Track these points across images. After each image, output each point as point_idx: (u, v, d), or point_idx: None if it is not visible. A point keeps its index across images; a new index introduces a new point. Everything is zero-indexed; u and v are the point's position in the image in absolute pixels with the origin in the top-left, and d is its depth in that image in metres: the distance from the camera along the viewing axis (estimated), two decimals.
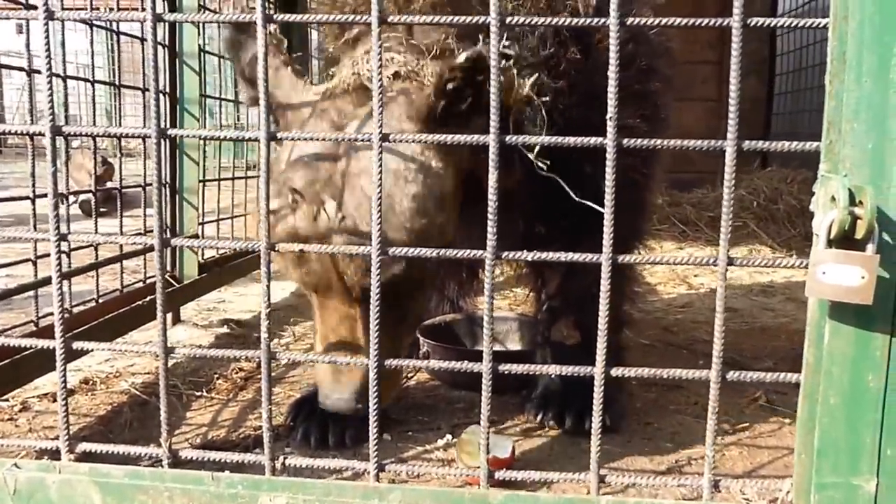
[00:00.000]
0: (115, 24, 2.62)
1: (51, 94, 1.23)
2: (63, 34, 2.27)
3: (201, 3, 2.88)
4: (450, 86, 1.38)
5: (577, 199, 1.54)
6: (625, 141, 1.13)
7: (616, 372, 1.22)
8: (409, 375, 2.33)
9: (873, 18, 1.07)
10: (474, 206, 2.04)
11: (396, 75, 1.56)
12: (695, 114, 6.37)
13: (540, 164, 1.55)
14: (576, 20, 1.18)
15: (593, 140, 1.14)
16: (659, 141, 1.16)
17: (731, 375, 1.21)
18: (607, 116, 1.12)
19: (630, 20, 1.09)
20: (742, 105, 1.10)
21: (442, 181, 1.55)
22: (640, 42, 1.83)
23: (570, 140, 1.18)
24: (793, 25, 1.16)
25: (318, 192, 1.49)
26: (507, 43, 1.50)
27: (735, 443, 1.93)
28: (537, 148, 1.53)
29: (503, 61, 1.45)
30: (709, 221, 5.35)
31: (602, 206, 1.80)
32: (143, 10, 1.22)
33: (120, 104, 2.55)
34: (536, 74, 1.54)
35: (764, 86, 7.12)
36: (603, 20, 1.09)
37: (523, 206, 1.81)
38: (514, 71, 1.50)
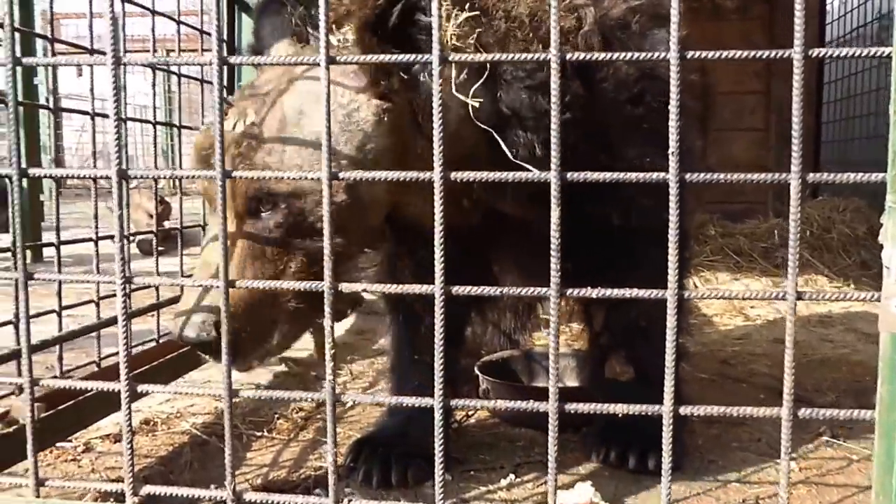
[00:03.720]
0: (177, 67, 2.69)
1: (118, 139, 1.26)
2: (124, 78, 2.32)
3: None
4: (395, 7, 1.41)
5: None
6: (688, 176, 1.10)
7: (685, 410, 1.18)
8: (470, 414, 2.31)
9: None
10: (502, 239, 2.03)
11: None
12: (742, 144, 6.26)
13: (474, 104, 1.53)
14: (638, 53, 1.17)
15: (655, 175, 1.12)
16: (721, 175, 1.13)
17: (804, 413, 1.16)
18: (669, 151, 1.10)
19: (690, 54, 1.07)
20: (789, 135, 1.07)
21: (370, 127, 1.53)
22: (653, 77, 1.77)
23: (632, 176, 1.16)
24: (850, 55, 1.13)
25: (246, 105, 1.53)
26: None
27: (802, 480, 1.86)
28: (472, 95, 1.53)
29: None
30: (762, 252, 5.23)
31: (643, 238, 1.80)
32: (203, 51, 1.24)
33: (180, 144, 2.59)
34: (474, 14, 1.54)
35: (812, 115, 7.00)
36: (664, 54, 1.08)
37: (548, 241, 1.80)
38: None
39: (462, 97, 1.52)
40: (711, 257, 5.12)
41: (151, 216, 5.53)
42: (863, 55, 1.13)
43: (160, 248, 2.46)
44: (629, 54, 1.13)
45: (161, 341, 2.40)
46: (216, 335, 1.41)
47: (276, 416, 2.30)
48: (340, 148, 1.49)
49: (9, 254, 1.81)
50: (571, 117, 1.63)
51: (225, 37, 2.79)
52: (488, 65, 1.57)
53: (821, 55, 1.10)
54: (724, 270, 5.04)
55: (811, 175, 1.10)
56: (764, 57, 1.09)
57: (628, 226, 1.82)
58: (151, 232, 2.54)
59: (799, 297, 1.13)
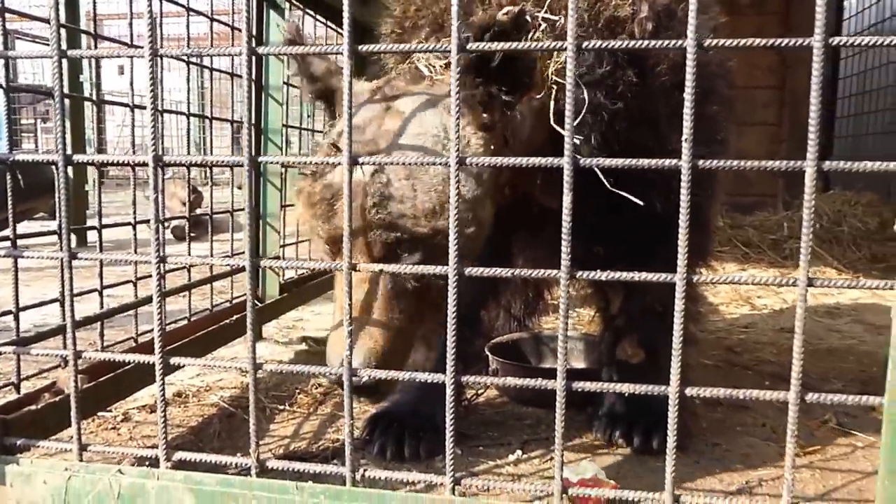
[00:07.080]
0: (209, 61, 2.70)
1: (154, 127, 1.26)
2: (161, 72, 2.35)
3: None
4: (486, 35, 1.30)
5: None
6: (700, 162, 1.08)
7: (691, 391, 1.17)
8: (479, 392, 2.31)
9: None
10: (529, 226, 2.00)
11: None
12: (755, 138, 6.19)
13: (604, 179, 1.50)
14: (655, 42, 1.14)
15: (667, 162, 1.11)
16: (736, 162, 1.11)
17: (811, 397, 1.14)
18: (682, 138, 1.08)
19: (707, 42, 1.05)
20: (802, 129, 1.04)
21: (475, 181, 1.49)
22: (701, 63, 1.74)
23: (644, 162, 1.14)
24: (870, 44, 1.10)
25: (358, 150, 1.45)
26: (544, 15, 1.44)
27: (807, 465, 1.83)
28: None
29: (541, 26, 1.41)
30: (771, 244, 5.17)
31: (660, 223, 1.77)
32: (234, 45, 1.25)
33: (211, 136, 2.62)
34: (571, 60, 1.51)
35: (825, 109, 6.90)
36: (680, 42, 1.06)
37: (581, 227, 1.77)
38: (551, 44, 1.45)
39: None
40: (720, 248, 5.06)
41: (184, 204, 5.62)
42: (883, 44, 1.09)
43: (192, 234, 2.49)
44: (645, 42, 1.11)
45: (192, 319, 2.42)
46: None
47: (297, 391, 2.32)
48: (463, 183, 1.45)
49: (56, 237, 1.83)
50: (624, 106, 1.61)
51: (254, 32, 2.80)
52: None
53: (840, 43, 1.07)
54: (731, 261, 4.99)
55: (826, 163, 1.07)
56: (783, 46, 1.07)
57: (666, 212, 1.79)
58: (184, 217, 2.56)
59: (810, 283, 1.10)
